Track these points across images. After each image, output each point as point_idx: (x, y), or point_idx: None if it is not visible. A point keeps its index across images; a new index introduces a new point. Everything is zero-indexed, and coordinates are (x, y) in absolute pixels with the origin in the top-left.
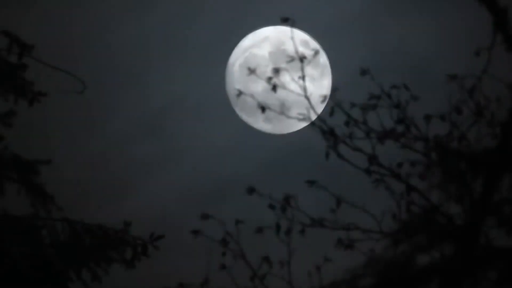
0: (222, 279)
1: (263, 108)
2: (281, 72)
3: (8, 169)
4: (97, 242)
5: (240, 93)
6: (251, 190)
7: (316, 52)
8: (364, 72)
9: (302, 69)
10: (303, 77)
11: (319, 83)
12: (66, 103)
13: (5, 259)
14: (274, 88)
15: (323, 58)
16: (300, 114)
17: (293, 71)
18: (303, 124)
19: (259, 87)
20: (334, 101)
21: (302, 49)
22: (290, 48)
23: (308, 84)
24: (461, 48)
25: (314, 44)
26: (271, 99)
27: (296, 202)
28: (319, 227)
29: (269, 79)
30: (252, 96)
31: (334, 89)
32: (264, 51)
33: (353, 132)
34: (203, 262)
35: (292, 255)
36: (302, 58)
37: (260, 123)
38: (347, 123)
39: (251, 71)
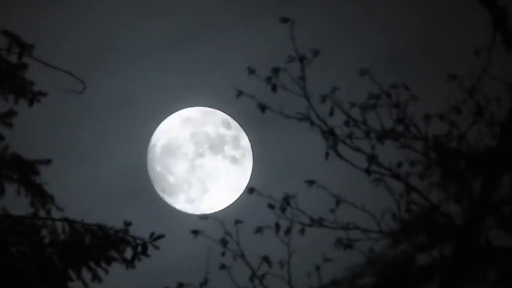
0: (222, 279)
1: (263, 108)
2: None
3: (8, 169)
4: (97, 242)
5: (240, 93)
6: (251, 190)
7: (316, 52)
8: (364, 72)
9: (303, 69)
10: (303, 78)
11: (241, 163)
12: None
13: (5, 259)
14: (274, 88)
15: (244, 140)
16: (299, 113)
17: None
18: (225, 204)
19: (180, 167)
20: (334, 101)
21: (223, 130)
22: (210, 129)
23: (229, 165)
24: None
25: (235, 125)
26: (192, 179)
27: (296, 202)
28: (319, 227)
29: (269, 79)
30: (252, 96)
31: (334, 89)
32: (185, 132)
33: (353, 132)
34: (203, 262)
35: (292, 255)
36: (302, 58)
37: (181, 203)
38: (347, 123)
39: (251, 71)
